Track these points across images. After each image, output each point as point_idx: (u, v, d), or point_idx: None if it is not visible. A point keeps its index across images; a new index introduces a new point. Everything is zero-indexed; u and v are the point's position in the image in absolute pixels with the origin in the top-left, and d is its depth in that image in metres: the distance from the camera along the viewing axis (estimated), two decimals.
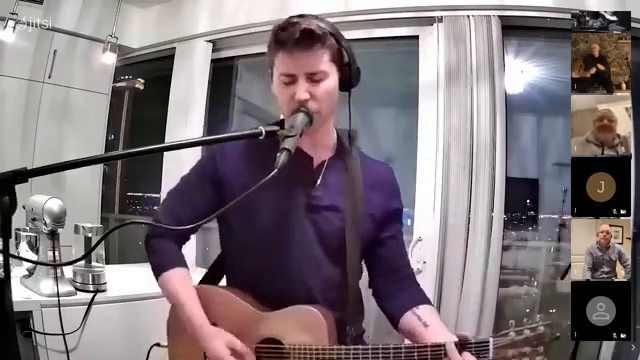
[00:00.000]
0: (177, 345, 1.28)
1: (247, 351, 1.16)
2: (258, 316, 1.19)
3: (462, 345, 1.07)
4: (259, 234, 1.22)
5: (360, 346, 1.11)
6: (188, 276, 1.26)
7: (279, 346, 1.15)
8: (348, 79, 1.20)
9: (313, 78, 1.15)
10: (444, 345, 1.07)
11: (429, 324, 1.18)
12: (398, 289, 1.27)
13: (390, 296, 1.28)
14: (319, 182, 1.23)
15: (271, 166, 1.02)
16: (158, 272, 1.26)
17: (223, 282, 1.37)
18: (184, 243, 1.32)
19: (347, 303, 1.21)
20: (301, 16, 1.17)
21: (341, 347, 1.12)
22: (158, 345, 1.38)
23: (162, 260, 1.27)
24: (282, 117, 1.20)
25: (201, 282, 1.35)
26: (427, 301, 1.26)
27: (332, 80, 1.17)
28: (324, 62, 1.15)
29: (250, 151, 1.23)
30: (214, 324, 1.19)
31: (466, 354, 1.07)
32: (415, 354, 1.08)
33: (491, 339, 1.08)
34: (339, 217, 1.21)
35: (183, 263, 1.27)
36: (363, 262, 1.30)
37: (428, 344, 1.09)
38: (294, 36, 1.11)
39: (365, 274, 1.33)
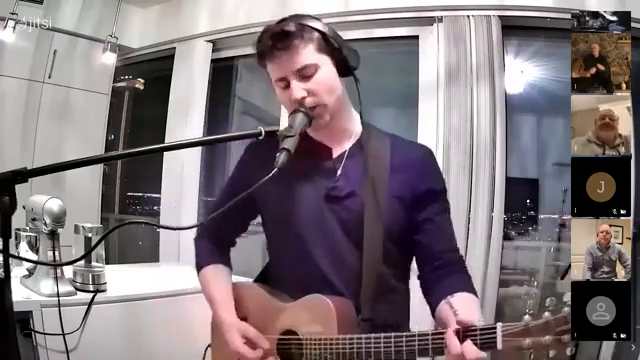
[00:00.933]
0: (216, 344, 1.34)
1: (261, 339, 1.19)
2: (279, 308, 1.21)
3: (465, 332, 0.94)
4: (282, 227, 1.24)
5: (363, 335, 1.07)
6: (223, 272, 1.34)
7: (295, 337, 1.16)
8: (345, 62, 1.19)
9: (303, 74, 1.14)
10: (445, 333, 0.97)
11: (459, 313, 1.02)
12: (439, 277, 1.18)
13: (431, 285, 1.19)
14: (340, 172, 1.22)
15: (296, 175, 1.06)
16: (198, 269, 1.37)
17: None
18: (230, 245, 1.41)
19: (366, 290, 1.16)
20: (279, 22, 1.18)
21: (346, 336, 1.08)
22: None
23: (199, 258, 1.37)
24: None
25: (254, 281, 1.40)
26: (467, 289, 1.14)
27: (326, 70, 1.16)
28: (309, 55, 1.15)
29: (265, 153, 1.21)
30: (244, 317, 1.25)
31: (467, 343, 0.94)
32: (416, 342, 1.00)
33: (499, 325, 0.91)
34: (359, 203, 1.18)
35: (220, 261, 1.36)
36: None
37: (429, 332, 1.00)
38: (268, 43, 1.14)
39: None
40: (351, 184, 1.21)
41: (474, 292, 1.16)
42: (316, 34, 1.16)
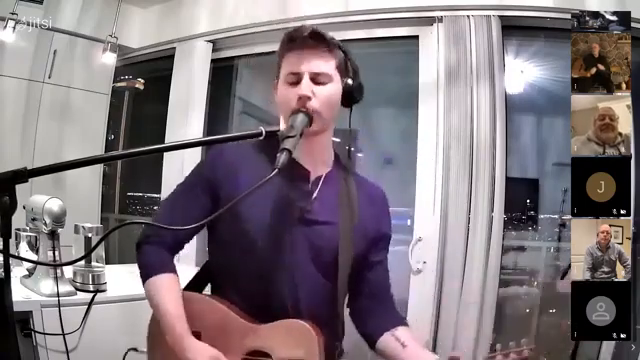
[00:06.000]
0: (157, 356, 1.25)
1: None
2: (246, 327, 1.17)
3: None
4: (250, 244, 1.20)
5: None
6: (176, 283, 1.22)
7: (264, 359, 1.15)
8: (351, 93, 1.22)
9: (317, 80, 1.17)
10: None
11: (407, 344, 1.21)
12: (377, 312, 1.29)
13: (369, 318, 1.30)
14: (315, 196, 1.23)
15: (270, 171, 1.02)
16: (145, 277, 1.23)
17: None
18: (177, 252, 1.29)
19: (335, 319, 1.23)
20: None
21: None
22: (135, 350, 1.34)
23: (150, 265, 1.23)
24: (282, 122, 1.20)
25: (185, 288, 1.29)
26: (404, 323, 1.29)
27: (335, 87, 1.19)
28: (330, 66, 1.19)
29: (250, 155, 1.23)
30: (197, 332, 1.17)
31: None
32: None
33: None
34: (332, 232, 1.21)
35: (172, 269, 1.24)
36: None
37: None
38: (304, 34, 1.16)
39: None
40: (325, 211, 1.22)
41: (407, 325, 1.30)
42: (342, 54, 1.21)
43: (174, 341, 1.15)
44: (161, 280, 1.21)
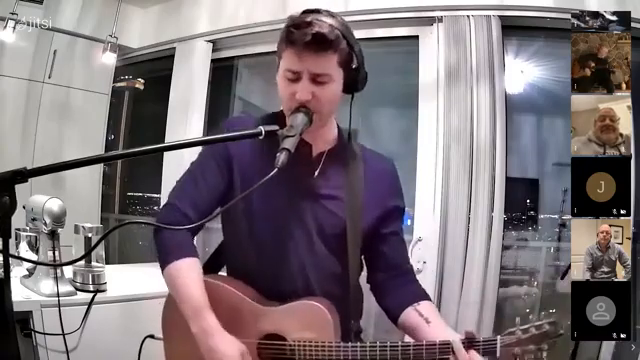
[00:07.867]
0: (175, 345, 1.24)
1: None
2: (260, 311, 1.17)
3: (470, 343, 1.09)
4: (257, 222, 1.21)
5: (368, 343, 1.11)
6: (197, 268, 1.18)
7: (283, 342, 1.14)
8: (354, 83, 1.20)
9: (317, 80, 1.14)
10: (451, 343, 1.09)
11: (431, 320, 1.18)
12: (398, 285, 1.27)
13: (390, 292, 1.27)
14: (318, 172, 1.22)
15: (274, 157, 1.02)
16: (164, 263, 1.17)
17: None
18: (198, 232, 1.28)
19: (347, 296, 1.21)
20: (317, 11, 1.15)
21: (348, 344, 1.11)
22: (152, 337, 1.36)
23: (169, 249, 1.17)
24: (281, 109, 1.20)
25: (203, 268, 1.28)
26: (427, 297, 1.26)
27: (336, 84, 1.16)
28: (331, 66, 1.14)
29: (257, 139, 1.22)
30: None
31: (472, 352, 1.08)
32: (423, 351, 1.09)
33: (499, 338, 1.09)
34: (338, 207, 1.20)
35: (193, 252, 1.19)
36: (362, 257, 1.29)
37: (437, 342, 1.09)
38: (305, 39, 1.10)
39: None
40: (329, 185, 1.22)
41: (431, 299, 1.28)
42: (345, 47, 1.15)
43: (201, 330, 1.11)
44: (181, 264, 1.15)
